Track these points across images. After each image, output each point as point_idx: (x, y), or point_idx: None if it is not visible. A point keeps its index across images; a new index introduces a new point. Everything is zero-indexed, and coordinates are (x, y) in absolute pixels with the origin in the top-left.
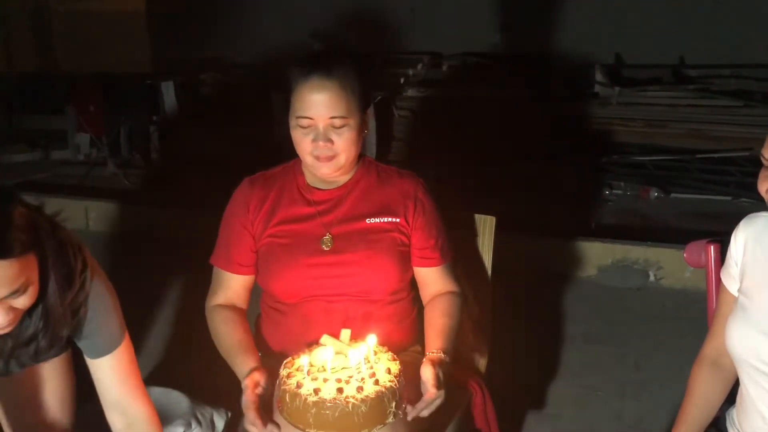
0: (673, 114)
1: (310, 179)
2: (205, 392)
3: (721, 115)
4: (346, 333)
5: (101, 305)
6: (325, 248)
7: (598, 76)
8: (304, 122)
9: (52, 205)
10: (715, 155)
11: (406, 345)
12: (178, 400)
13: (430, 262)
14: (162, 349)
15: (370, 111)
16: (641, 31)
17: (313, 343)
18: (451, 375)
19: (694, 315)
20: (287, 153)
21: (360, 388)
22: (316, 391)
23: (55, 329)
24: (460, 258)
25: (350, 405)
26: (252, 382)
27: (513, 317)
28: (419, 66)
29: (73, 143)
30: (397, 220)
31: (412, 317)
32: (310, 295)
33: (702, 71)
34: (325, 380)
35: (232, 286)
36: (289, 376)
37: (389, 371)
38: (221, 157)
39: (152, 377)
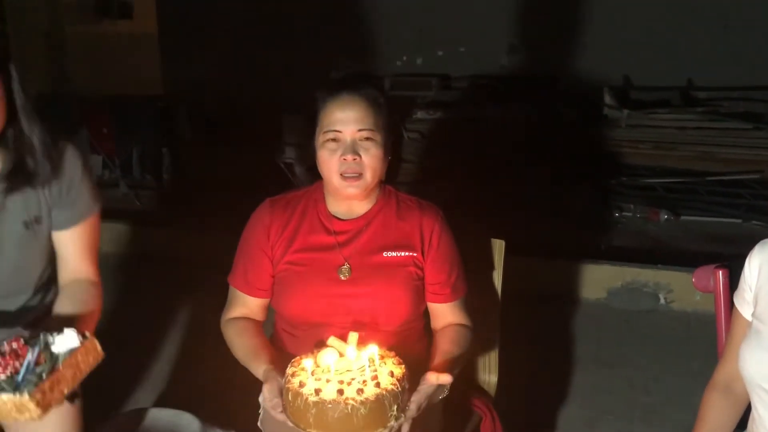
0: (683, 136)
1: (331, 207)
2: (216, 414)
3: (731, 138)
4: (353, 336)
5: (76, 170)
6: (342, 278)
7: (607, 99)
8: (332, 135)
9: None
10: (725, 178)
11: None
12: (188, 422)
13: (440, 298)
14: (173, 371)
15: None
16: (650, 53)
17: (321, 342)
18: (461, 397)
19: (705, 338)
20: (298, 175)
21: (360, 390)
22: (317, 391)
23: (37, 154)
24: (469, 282)
25: (350, 407)
26: (274, 400)
27: (522, 340)
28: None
29: None
30: (414, 254)
31: (423, 343)
32: (323, 322)
33: (711, 93)
34: (327, 381)
35: (248, 305)
36: (293, 375)
37: (392, 374)
38: (232, 178)
39: (163, 399)
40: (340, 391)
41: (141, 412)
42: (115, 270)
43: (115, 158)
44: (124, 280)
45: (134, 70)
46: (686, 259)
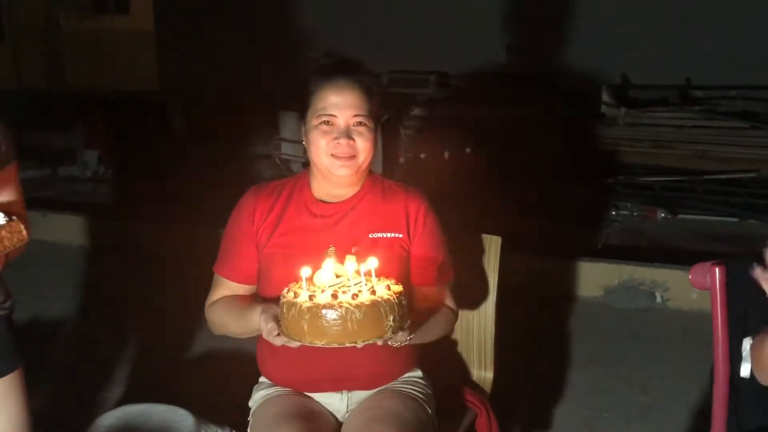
0: (680, 135)
1: (317, 192)
2: (209, 410)
3: (728, 137)
4: (351, 259)
5: None
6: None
7: (605, 97)
8: (326, 119)
9: (59, 221)
10: (722, 176)
11: (406, 370)
12: (183, 417)
13: (426, 281)
14: (166, 367)
15: (377, 130)
16: (648, 51)
17: (317, 264)
18: (456, 393)
19: (701, 337)
20: (293, 169)
21: (355, 296)
22: (311, 297)
23: None
24: (465, 278)
25: (344, 309)
26: (269, 324)
27: (519, 338)
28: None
29: (81, 160)
30: (400, 235)
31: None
32: None
33: (708, 92)
34: (322, 291)
35: (234, 290)
36: (288, 291)
37: (389, 288)
38: (227, 174)
39: (157, 395)
40: (335, 296)
41: (136, 408)
42: (108, 265)
43: (111, 154)
44: (117, 276)
45: (130, 65)
46: (683, 258)
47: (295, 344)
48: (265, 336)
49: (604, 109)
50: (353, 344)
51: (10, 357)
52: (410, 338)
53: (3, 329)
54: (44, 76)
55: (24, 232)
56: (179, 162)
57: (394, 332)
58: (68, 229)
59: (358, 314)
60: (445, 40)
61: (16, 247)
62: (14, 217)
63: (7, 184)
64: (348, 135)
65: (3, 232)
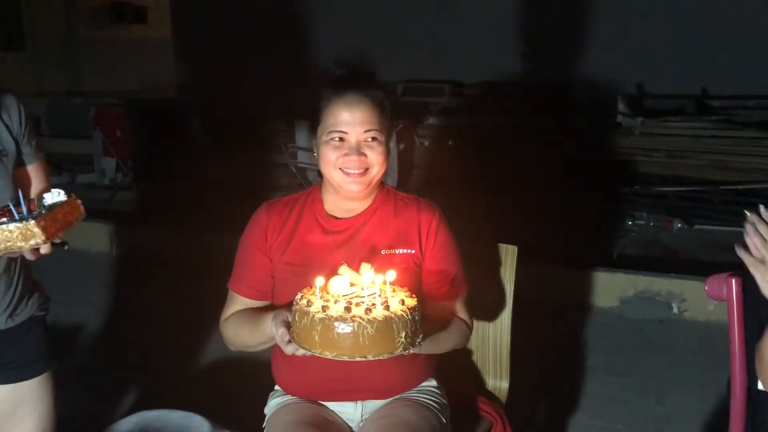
0: (696, 145)
1: (329, 207)
2: (225, 416)
3: (745, 147)
4: (366, 267)
5: (18, 113)
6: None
7: (621, 106)
8: (337, 135)
9: (77, 227)
10: (739, 187)
11: (421, 380)
12: (199, 423)
13: (439, 295)
14: (183, 374)
15: (392, 139)
16: (664, 61)
17: (332, 272)
18: (471, 402)
19: (718, 348)
20: (309, 178)
21: (369, 311)
22: (324, 308)
23: None
24: (481, 287)
25: (356, 324)
26: (280, 329)
27: (534, 347)
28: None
29: (99, 167)
30: (413, 251)
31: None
32: None
33: (725, 102)
34: (336, 301)
35: (248, 307)
36: (302, 298)
37: (403, 303)
38: (243, 181)
39: (173, 401)
40: (348, 309)
41: (152, 413)
42: (127, 273)
43: (129, 161)
44: (135, 284)
45: (148, 74)
46: (699, 268)
47: (304, 353)
48: (277, 341)
49: (620, 118)
50: (363, 358)
51: (46, 358)
52: (419, 343)
53: (41, 330)
54: (63, 84)
55: (82, 208)
56: (196, 170)
57: (405, 348)
58: (86, 236)
59: (370, 329)
60: (460, 49)
61: (76, 221)
62: (72, 194)
63: (40, 175)
64: (359, 151)
65: (66, 208)
